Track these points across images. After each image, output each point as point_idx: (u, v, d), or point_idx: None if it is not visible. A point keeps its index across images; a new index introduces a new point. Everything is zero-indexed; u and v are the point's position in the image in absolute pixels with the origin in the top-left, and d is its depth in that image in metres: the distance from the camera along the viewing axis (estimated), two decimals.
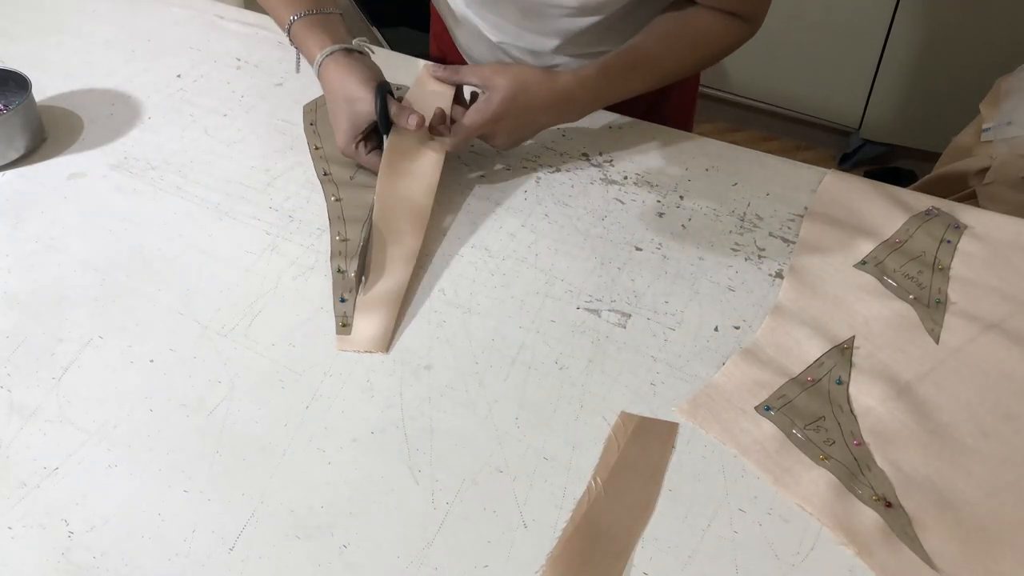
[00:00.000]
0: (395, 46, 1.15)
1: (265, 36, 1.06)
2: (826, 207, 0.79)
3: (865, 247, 0.74)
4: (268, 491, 0.56)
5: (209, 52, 1.03)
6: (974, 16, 1.82)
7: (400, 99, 0.80)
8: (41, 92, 0.94)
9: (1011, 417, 0.60)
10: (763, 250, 0.75)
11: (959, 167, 1.35)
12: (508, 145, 0.82)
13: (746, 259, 0.74)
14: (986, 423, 0.59)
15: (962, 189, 1.34)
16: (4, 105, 0.89)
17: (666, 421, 0.60)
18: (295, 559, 0.53)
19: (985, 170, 1.30)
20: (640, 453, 0.58)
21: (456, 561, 0.53)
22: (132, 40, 1.06)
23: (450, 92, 0.82)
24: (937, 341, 0.65)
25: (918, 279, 0.70)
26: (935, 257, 0.72)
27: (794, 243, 0.75)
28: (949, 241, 0.74)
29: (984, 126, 1.36)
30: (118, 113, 0.93)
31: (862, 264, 0.72)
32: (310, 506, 0.56)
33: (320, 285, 0.71)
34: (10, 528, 0.54)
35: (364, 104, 0.77)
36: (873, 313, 0.67)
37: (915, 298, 0.68)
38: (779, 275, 0.72)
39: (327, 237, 0.76)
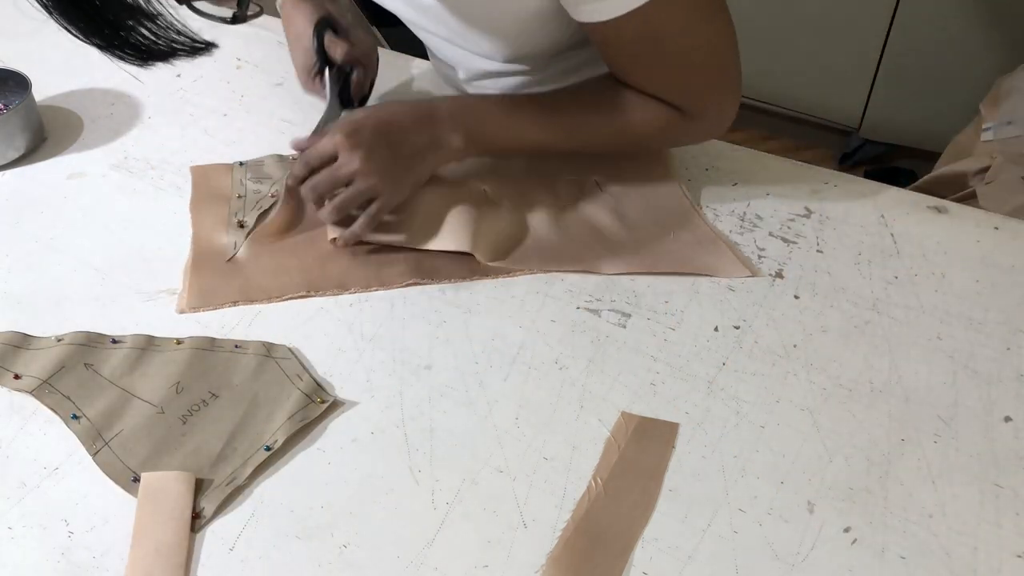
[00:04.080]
0: (395, 46, 1.15)
1: (265, 36, 1.06)
2: None
3: None
4: (268, 491, 0.56)
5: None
6: (974, 16, 1.82)
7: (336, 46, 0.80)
8: (41, 92, 0.94)
9: None
10: (763, 250, 0.75)
11: (959, 167, 1.35)
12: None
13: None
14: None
15: (962, 189, 1.34)
16: (4, 105, 0.89)
17: (666, 421, 0.60)
18: (295, 559, 0.53)
19: (985, 170, 1.30)
20: (640, 453, 0.58)
21: (456, 561, 0.53)
22: None
23: None
24: None
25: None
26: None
27: (795, 243, 0.75)
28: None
29: (984, 126, 1.36)
30: (118, 113, 0.93)
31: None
32: (310, 506, 0.55)
33: None
34: (10, 528, 0.54)
35: (307, 41, 0.80)
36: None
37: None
38: (779, 275, 0.72)
39: None
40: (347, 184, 0.69)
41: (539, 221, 0.76)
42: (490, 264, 0.71)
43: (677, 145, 0.78)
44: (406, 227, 0.73)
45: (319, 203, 0.71)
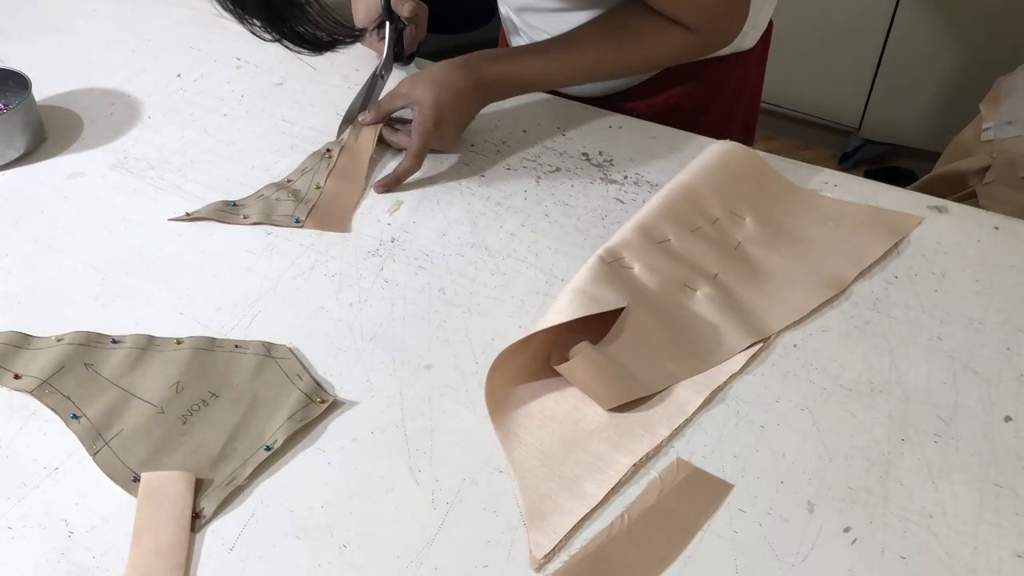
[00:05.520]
0: None
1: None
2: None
3: None
4: (268, 491, 0.56)
5: (209, 52, 1.03)
6: (974, 16, 1.82)
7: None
8: (41, 92, 0.94)
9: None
10: None
11: (959, 167, 1.35)
12: (455, 141, 0.86)
13: None
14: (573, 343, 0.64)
15: (962, 189, 1.35)
16: (4, 105, 0.89)
17: (720, 480, 0.57)
18: (295, 559, 0.53)
19: (985, 169, 1.30)
20: (681, 503, 0.55)
21: (456, 561, 0.53)
22: (132, 40, 1.06)
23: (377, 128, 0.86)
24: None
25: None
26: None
27: None
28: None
29: (984, 126, 1.36)
30: (118, 113, 0.93)
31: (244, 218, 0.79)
32: (310, 506, 0.55)
33: (320, 285, 0.71)
34: (10, 528, 0.54)
35: None
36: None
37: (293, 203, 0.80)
38: None
39: (327, 236, 0.76)
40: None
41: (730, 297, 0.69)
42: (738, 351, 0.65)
43: (686, 61, 0.87)
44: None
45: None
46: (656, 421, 0.60)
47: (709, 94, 0.94)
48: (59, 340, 0.65)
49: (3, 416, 0.61)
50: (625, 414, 0.60)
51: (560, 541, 0.53)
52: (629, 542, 0.53)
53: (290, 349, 0.65)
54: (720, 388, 0.62)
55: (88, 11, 1.12)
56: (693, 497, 0.56)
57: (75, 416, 0.60)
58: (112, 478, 0.56)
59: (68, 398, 0.61)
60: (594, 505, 0.55)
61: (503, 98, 0.87)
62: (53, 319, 0.68)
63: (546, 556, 0.52)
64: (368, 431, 0.60)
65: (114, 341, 0.65)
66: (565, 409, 0.61)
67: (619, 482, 0.56)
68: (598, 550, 0.53)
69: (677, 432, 0.59)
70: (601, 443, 0.59)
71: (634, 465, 0.57)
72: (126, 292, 0.71)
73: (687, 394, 0.62)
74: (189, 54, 1.03)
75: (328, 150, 0.86)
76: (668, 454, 0.58)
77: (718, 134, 0.85)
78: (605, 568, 0.52)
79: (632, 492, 0.56)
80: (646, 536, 0.54)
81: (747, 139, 1.03)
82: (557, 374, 0.62)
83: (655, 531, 0.54)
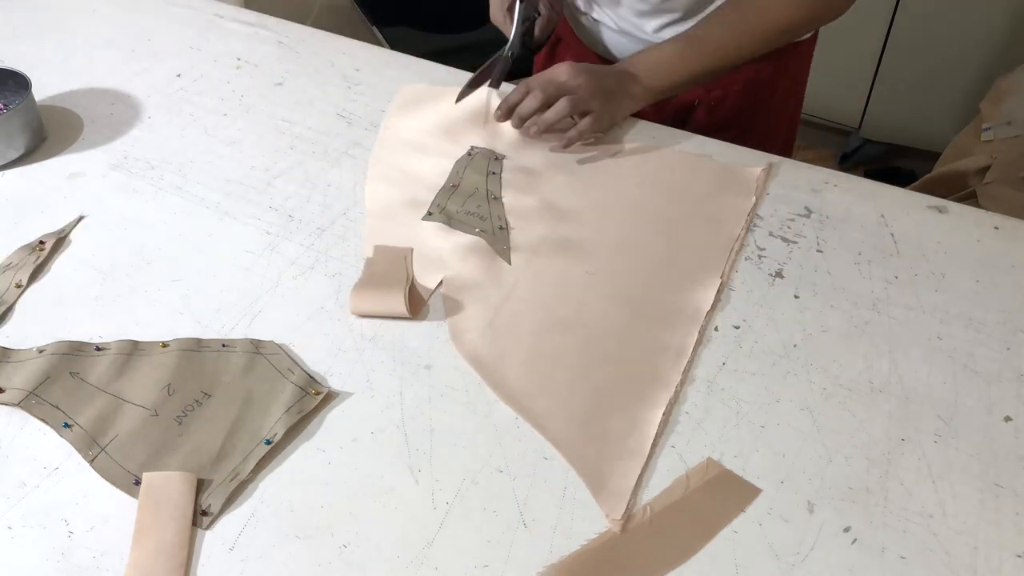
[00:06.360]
0: (395, 46, 1.16)
1: (265, 36, 1.06)
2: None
3: (426, 197, 0.80)
4: (269, 491, 0.56)
5: (209, 52, 1.03)
6: (974, 16, 1.82)
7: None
8: (41, 92, 0.94)
9: (576, 305, 0.69)
10: (763, 250, 0.75)
11: (959, 166, 1.35)
12: (608, 114, 0.83)
13: (746, 259, 0.74)
14: (563, 319, 0.67)
15: (962, 188, 1.35)
16: (4, 105, 0.89)
17: (749, 483, 0.56)
18: (295, 559, 0.53)
19: (985, 169, 1.30)
20: (707, 502, 0.55)
21: (456, 561, 0.53)
22: (132, 40, 1.06)
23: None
24: (509, 262, 0.73)
25: (479, 212, 0.77)
26: (487, 189, 0.80)
27: (795, 243, 0.75)
28: (494, 173, 0.81)
29: (984, 126, 1.36)
30: (118, 113, 0.93)
31: (429, 215, 0.77)
32: (310, 506, 0.55)
33: (320, 285, 0.71)
34: (10, 528, 0.54)
35: None
36: (448, 251, 0.73)
37: (480, 230, 0.75)
38: (779, 275, 0.72)
39: (327, 236, 0.76)
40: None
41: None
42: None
43: (802, 32, 0.93)
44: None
45: (519, 123, 0.84)
46: (665, 369, 0.64)
47: (773, 81, 0.95)
48: (40, 351, 0.65)
49: (3, 416, 0.61)
50: (633, 373, 0.64)
51: (630, 500, 0.55)
52: (650, 534, 0.54)
53: (279, 345, 0.65)
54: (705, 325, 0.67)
55: (88, 11, 1.12)
56: (719, 498, 0.56)
57: (67, 425, 0.59)
58: (113, 483, 0.56)
59: (57, 407, 0.60)
60: (644, 460, 0.57)
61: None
62: (53, 319, 0.68)
63: (623, 516, 0.54)
64: (368, 431, 0.60)
65: (98, 348, 0.65)
66: (580, 382, 0.64)
67: (656, 433, 0.59)
68: (616, 539, 0.53)
69: (686, 376, 0.63)
70: (628, 398, 0.62)
71: (664, 414, 0.61)
72: (126, 292, 0.71)
73: (680, 337, 0.66)
74: (189, 54, 1.03)
75: (41, 243, 0.74)
76: (688, 433, 0.58)
77: (769, 128, 0.86)
78: (621, 557, 0.52)
79: (658, 484, 0.57)
80: (668, 531, 0.54)
81: (789, 138, 1.05)
82: (551, 348, 0.65)
83: (678, 527, 0.54)
